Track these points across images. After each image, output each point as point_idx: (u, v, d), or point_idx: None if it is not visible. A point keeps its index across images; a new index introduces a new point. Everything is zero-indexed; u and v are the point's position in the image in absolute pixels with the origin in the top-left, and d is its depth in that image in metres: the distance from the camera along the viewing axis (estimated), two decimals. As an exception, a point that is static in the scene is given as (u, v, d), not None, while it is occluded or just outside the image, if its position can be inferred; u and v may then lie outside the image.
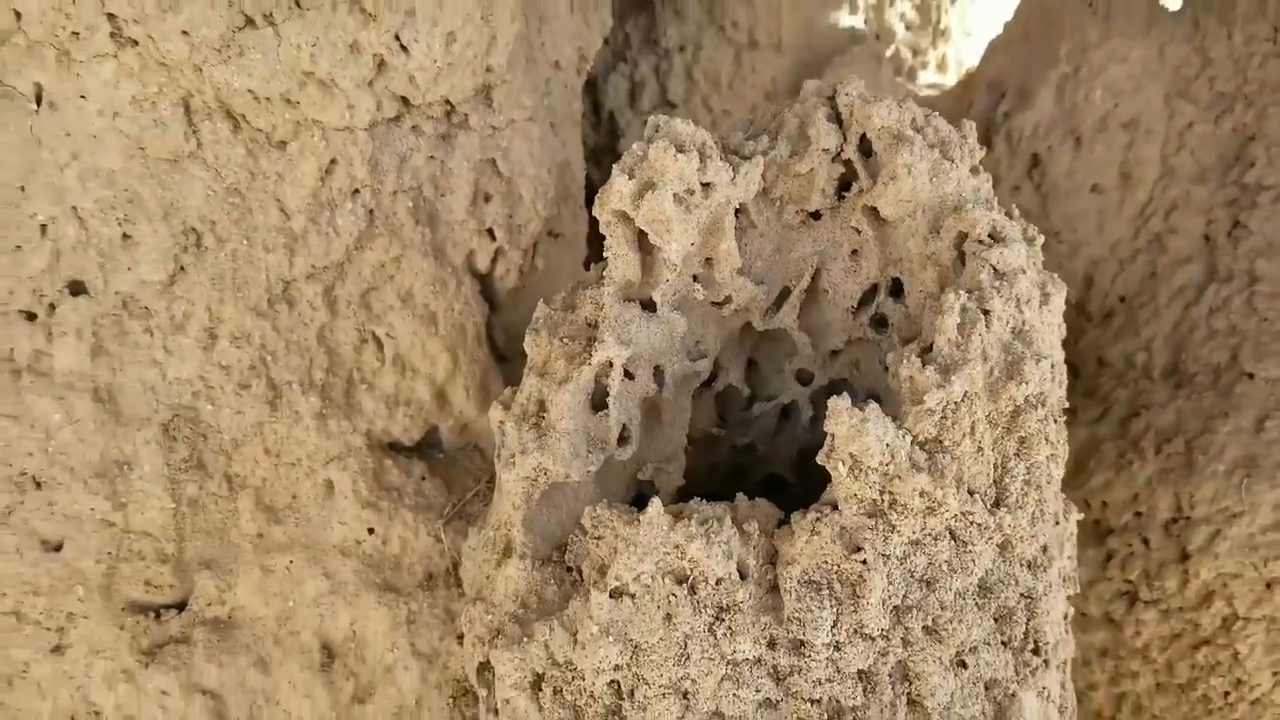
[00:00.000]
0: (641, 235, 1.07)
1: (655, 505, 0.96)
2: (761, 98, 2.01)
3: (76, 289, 1.36)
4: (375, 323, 1.46)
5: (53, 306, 1.36)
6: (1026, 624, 1.08)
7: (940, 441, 0.96)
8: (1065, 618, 1.21)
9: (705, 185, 1.05)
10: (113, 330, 1.39)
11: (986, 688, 1.06)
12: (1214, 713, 1.70)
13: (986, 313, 0.98)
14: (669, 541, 0.96)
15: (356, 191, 1.39)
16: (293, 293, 1.43)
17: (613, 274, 1.08)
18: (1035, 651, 1.10)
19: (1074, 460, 1.77)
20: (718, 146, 1.07)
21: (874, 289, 1.14)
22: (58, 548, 1.47)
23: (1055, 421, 1.07)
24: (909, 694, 1.00)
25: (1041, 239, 1.12)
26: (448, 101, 1.37)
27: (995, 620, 1.06)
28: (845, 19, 2.02)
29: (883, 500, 0.95)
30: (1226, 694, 1.70)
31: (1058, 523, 1.16)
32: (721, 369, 1.23)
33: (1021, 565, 1.05)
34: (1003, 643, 1.08)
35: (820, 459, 0.96)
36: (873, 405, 0.94)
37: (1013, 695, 1.07)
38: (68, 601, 1.49)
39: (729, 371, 1.23)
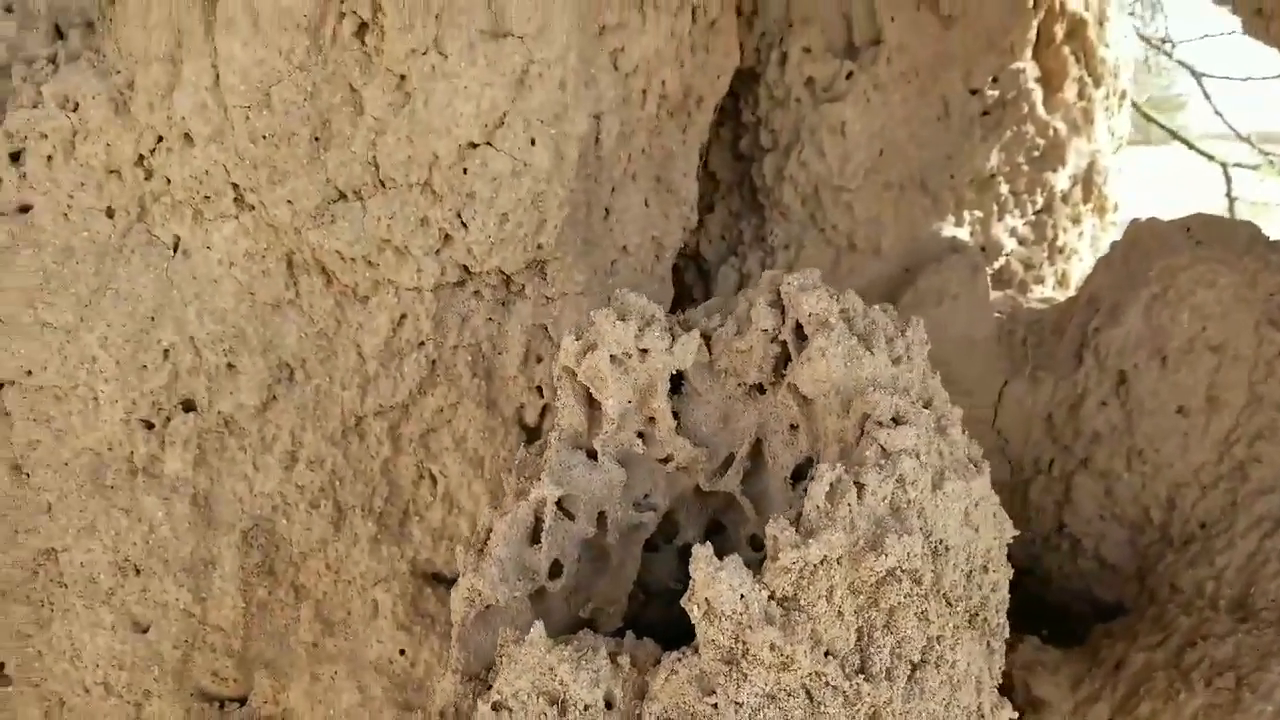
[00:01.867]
0: (588, 391, 1.20)
1: (537, 628, 1.06)
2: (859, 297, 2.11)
3: (188, 406, 1.63)
4: (431, 461, 1.64)
5: (168, 419, 1.63)
6: (916, 809, 1.08)
7: (796, 600, 1.00)
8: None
9: (642, 350, 1.17)
10: (214, 444, 1.64)
11: None
12: None
13: (860, 486, 1.03)
14: (544, 663, 1.04)
15: (422, 344, 1.59)
16: (363, 427, 1.64)
17: (560, 423, 1.21)
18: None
19: (1127, 686, 1.68)
20: (665, 321, 1.20)
21: (809, 461, 1.21)
22: (145, 630, 1.70)
23: (949, 604, 1.09)
24: None
25: (956, 430, 1.16)
26: (502, 271, 1.56)
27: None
28: (948, 229, 2.10)
29: (736, 648, 1.00)
30: None
31: (982, 716, 1.15)
32: (680, 526, 1.31)
33: (902, 742, 1.05)
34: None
35: (683, 602, 1.03)
36: (733, 557, 1.01)
37: None
38: (146, 680, 1.70)
39: (687, 530, 1.31)
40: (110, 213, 1.57)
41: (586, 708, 1.03)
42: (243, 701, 1.73)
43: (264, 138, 1.45)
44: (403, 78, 1.44)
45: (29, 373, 1.59)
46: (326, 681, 1.68)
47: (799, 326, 1.17)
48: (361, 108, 1.45)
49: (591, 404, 1.21)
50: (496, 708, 1.05)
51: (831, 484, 1.03)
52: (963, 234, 2.12)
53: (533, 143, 1.48)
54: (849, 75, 2.04)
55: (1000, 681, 1.24)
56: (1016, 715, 1.18)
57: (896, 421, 1.09)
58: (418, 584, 1.66)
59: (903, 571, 1.03)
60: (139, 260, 1.57)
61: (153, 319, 1.58)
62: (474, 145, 1.46)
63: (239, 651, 1.70)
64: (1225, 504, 1.80)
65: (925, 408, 1.14)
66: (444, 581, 1.68)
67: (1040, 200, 2.23)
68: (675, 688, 1.02)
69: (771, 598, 1.01)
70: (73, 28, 1.60)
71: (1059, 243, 2.24)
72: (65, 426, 1.61)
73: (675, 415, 1.22)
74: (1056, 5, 2.21)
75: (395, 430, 1.64)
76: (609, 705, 1.04)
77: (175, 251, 1.57)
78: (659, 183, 1.82)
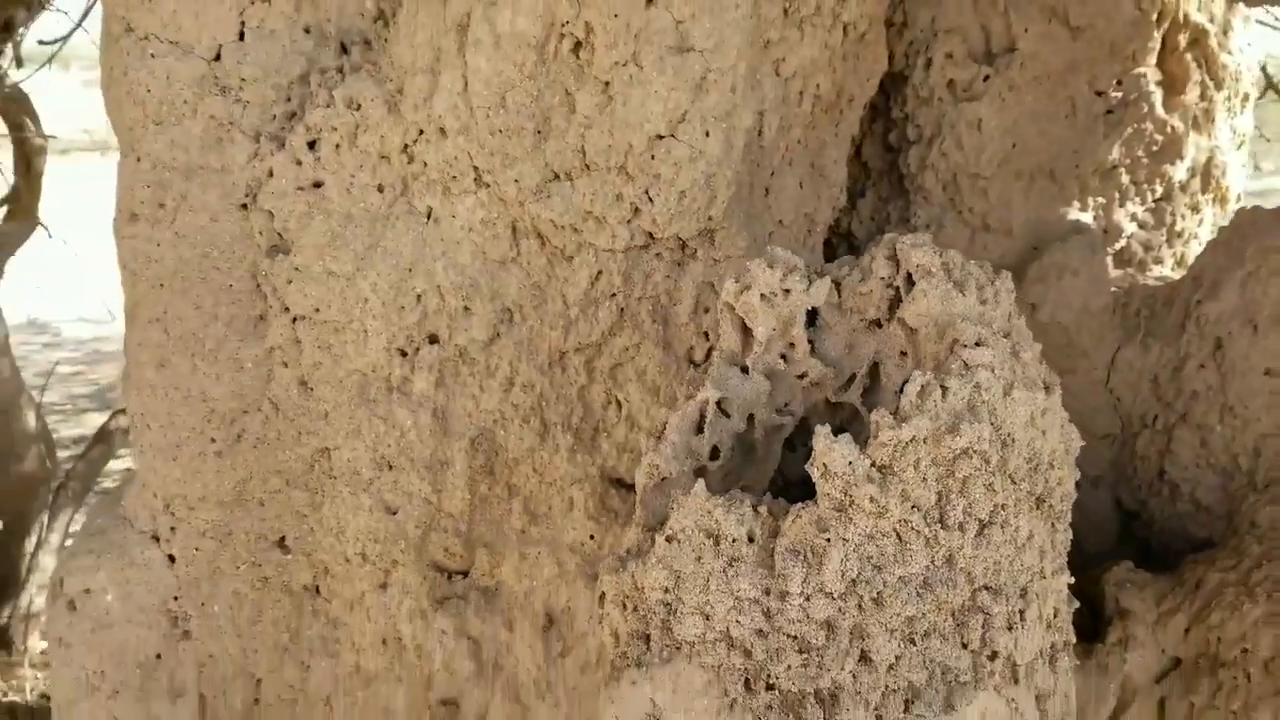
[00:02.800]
0: (743, 321, 1.59)
1: (699, 485, 1.45)
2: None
3: (433, 339, 2.09)
4: (618, 389, 2.06)
5: (417, 349, 2.09)
6: (983, 634, 1.42)
7: (891, 467, 1.37)
8: (1050, 658, 1.52)
9: (785, 290, 1.55)
10: (451, 370, 2.10)
11: (941, 671, 1.41)
12: None
13: (945, 388, 1.39)
14: (704, 508, 1.44)
15: (613, 295, 2.01)
16: (565, 360, 2.07)
17: (721, 345, 1.60)
18: (992, 658, 1.43)
19: (1202, 600, 1.96)
20: (805, 269, 1.58)
21: (913, 378, 1.56)
22: (394, 513, 2.17)
23: (1014, 483, 1.43)
24: (862, 649, 1.39)
25: (1029, 356, 1.49)
26: (679, 238, 1.97)
27: (955, 621, 1.42)
28: (1073, 213, 2.39)
29: (845, 500, 1.37)
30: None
31: (1043, 577, 1.49)
32: (813, 430, 1.67)
33: (971, 581, 1.40)
34: (962, 644, 1.43)
35: (807, 466, 1.41)
36: (844, 434, 1.38)
37: (965, 684, 1.41)
38: (394, 552, 2.18)
39: (818, 433, 1.67)
40: (381, 189, 2.04)
41: (734, 540, 1.42)
42: (466, 574, 2.19)
43: (499, 131, 1.89)
44: (607, 84, 1.85)
45: (316, 310, 2.08)
46: (531, 559, 2.12)
47: (909, 275, 1.53)
48: (574, 108, 1.87)
49: (745, 332, 1.60)
50: (669, 539, 1.45)
51: (922, 386, 1.39)
52: (1086, 218, 2.41)
53: (707, 135, 1.88)
54: (985, 78, 2.36)
55: (1065, 556, 1.57)
56: (1071, 580, 1.51)
57: (978, 345, 1.44)
58: (605, 486, 2.07)
59: (974, 451, 1.38)
60: (401, 225, 2.04)
61: (409, 271, 2.04)
62: (660, 137, 1.87)
63: (465, 533, 2.16)
64: (1304, 456, 2.05)
65: (1005, 337, 1.48)
66: (625, 485, 2.10)
67: (1159, 190, 2.49)
68: (799, 528, 1.40)
69: (872, 465, 1.37)
70: (355, 45, 2.08)
71: (1177, 228, 2.50)
72: (341, 352, 2.10)
73: (810, 342, 1.60)
74: (1180, 17, 2.47)
75: (590, 364, 2.06)
76: (750, 539, 1.42)
77: (428, 219, 2.04)
78: (813, 168, 2.19)
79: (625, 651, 1.51)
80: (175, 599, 2.27)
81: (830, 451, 1.36)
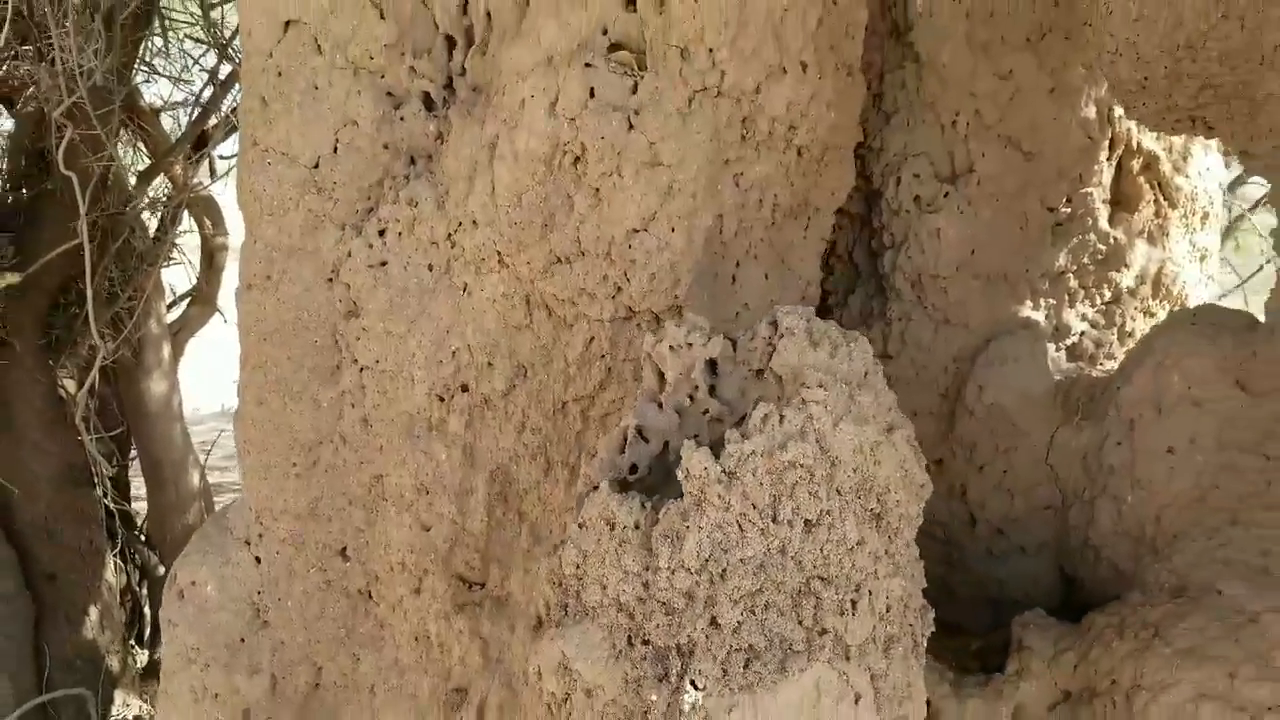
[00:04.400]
0: (659, 367, 2.06)
1: (604, 484, 1.91)
2: (952, 360, 2.82)
3: (464, 388, 2.62)
4: (605, 432, 2.54)
5: (452, 396, 2.62)
6: (815, 614, 1.81)
7: (735, 473, 1.80)
8: (884, 646, 1.89)
9: (689, 344, 2.02)
10: (478, 414, 2.62)
11: (779, 639, 1.80)
12: None
13: (782, 416, 1.82)
14: (605, 502, 1.89)
15: (603, 356, 2.50)
16: (566, 408, 2.56)
17: (643, 386, 2.07)
18: (823, 634, 1.82)
19: (1088, 642, 2.27)
20: (707, 330, 2.04)
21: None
22: (428, 530, 2.68)
23: (840, 495, 1.83)
24: (712, 614, 1.80)
25: (869, 400, 1.90)
26: (653, 312, 2.45)
27: (791, 601, 1.81)
28: (1024, 311, 2.75)
29: (701, 496, 1.81)
30: None
31: (877, 578, 1.88)
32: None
33: (801, 569, 1.80)
34: (797, 620, 1.82)
35: (677, 470, 1.85)
36: (704, 448, 1.82)
37: (799, 653, 1.80)
38: (425, 562, 2.68)
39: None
40: (430, 267, 2.60)
41: (624, 527, 1.87)
42: (483, 585, 2.67)
43: (516, 224, 2.43)
44: (597, 190, 2.37)
45: (376, 361, 2.64)
46: (534, 574, 2.59)
47: (782, 335, 1.98)
48: (572, 207, 2.40)
49: (660, 376, 2.07)
50: (580, 526, 1.91)
51: (765, 414, 1.83)
52: (1036, 315, 2.77)
53: (672, 230, 2.37)
54: (946, 194, 2.79)
55: (904, 566, 1.95)
56: (923, 585, 1.88)
57: (819, 387, 1.86)
58: (590, 513, 2.53)
59: (799, 465, 1.80)
60: (443, 296, 2.59)
61: (448, 332, 2.59)
62: (636, 230, 2.37)
63: (482, 550, 2.64)
64: (1192, 520, 2.35)
65: (846, 384, 1.90)
66: (608, 514, 2.54)
67: (1108, 294, 2.84)
68: (669, 518, 1.84)
69: (721, 470, 1.81)
70: (420, 158, 2.67)
71: (1128, 328, 2.83)
72: (394, 396, 2.65)
73: (712, 386, 2.05)
74: (1134, 144, 2.85)
75: (585, 412, 2.54)
76: (636, 526, 1.87)
77: (463, 291, 2.58)
78: (782, 264, 2.65)
79: (548, 615, 1.96)
80: (259, 593, 2.83)
81: (691, 459, 1.81)
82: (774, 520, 1.79)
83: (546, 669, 1.91)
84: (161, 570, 5.70)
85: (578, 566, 1.91)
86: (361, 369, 2.66)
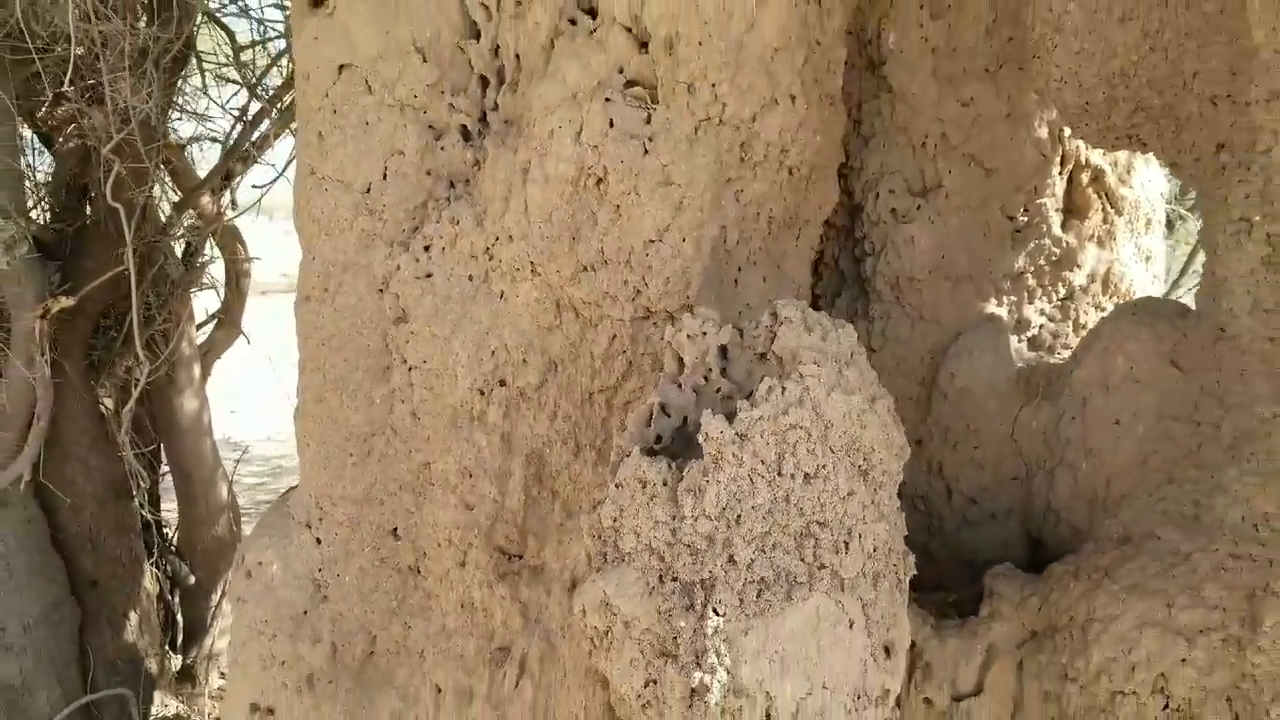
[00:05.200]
0: (678, 353, 2.44)
1: (635, 450, 2.28)
2: (927, 352, 3.21)
3: (502, 383, 2.99)
4: (626, 416, 2.91)
5: (491, 390, 2.99)
6: (814, 552, 2.19)
7: (746, 435, 2.17)
8: (873, 579, 2.26)
9: (703, 332, 2.40)
10: (515, 405, 2.99)
11: (785, 574, 2.17)
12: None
13: (783, 388, 2.20)
14: (638, 464, 2.26)
15: (624, 351, 2.88)
16: (593, 399, 2.93)
17: (665, 369, 2.45)
18: (821, 568, 2.19)
19: (1047, 585, 2.65)
20: (718, 320, 2.42)
21: (787, 391, 2.36)
22: (471, 509, 3.04)
23: (833, 453, 2.21)
24: (729, 553, 2.17)
25: (854, 375, 2.28)
26: (668, 311, 2.83)
27: (795, 541, 2.19)
28: (989, 308, 3.15)
29: (718, 456, 2.18)
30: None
31: (865, 523, 2.25)
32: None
33: (802, 514, 2.17)
34: (800, 558, 2.19)
35: (697, 435, 2.22)
36: (719, 415, 2.20)
37: (801, 584, 2.18)
38: (470, 537, 3.04)
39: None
40: (470, 278, 2.98)
41: (654, 484, 2.24)
42: (521, 556, 3.04)
43: (547, 238, 2.81)
44: (618, 206, 2.75)
45: (424, 361, 3.01)
46: (566, 544, 2.95)
47: (781, 323, 2.36)
48: (596, 222, 2.78)
49: (679, 360, 2.45)
50: (617, 486, 2.29)
51: (769, 386, 2.21)
52: (1000, 312, 3.16)
53: (684, 240, 2.75)
54: (918, 207, 3.18)
55: (888, 513, 2.32)
56: (902, 531, 2.26)
57: (813, 363, 2.25)
58: (616, 489, 2.90)
59: (799, 427, 2.17)
60: (482, 302, 2.97)
61: (487, 334, 2.96)
62: (652, 241, 2.75)
63: (520, 525, 3.00)
64: (1135, 481, 2.73)
65: (835, 361, 2.29)
66: (631, 489, 2.91)
67: (1063, 291, 3.23)
68: (692, 475, 2.21)
69: (735, 434, 2.19)
70: (459, 182, 3.05)
71: (1081, 321, 3.22)
72: (440, 392, 3.01)
73: (723, 368, 2.43)
74: (1082, 160, 3.25)
75: (609, 401, 2.91)
76: (665, 484, 2.24)
77: (500, 298, 2.96)
78: (778, 269, 3.03)
79: (590, 563, 2.33)
80: (319, 571, 3.18)
81: (710, 424, 2.19)
82: (779, 474, 2.17)
83: (590, 607, 2.28)
84: (192, 580, 6.02)
85: (614, 520, 2.28)
86: (410, 368, 3.03)
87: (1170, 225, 7.40)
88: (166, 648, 5.91)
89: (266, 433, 12.44)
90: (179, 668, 5.96)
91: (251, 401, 11.37)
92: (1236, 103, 2.41)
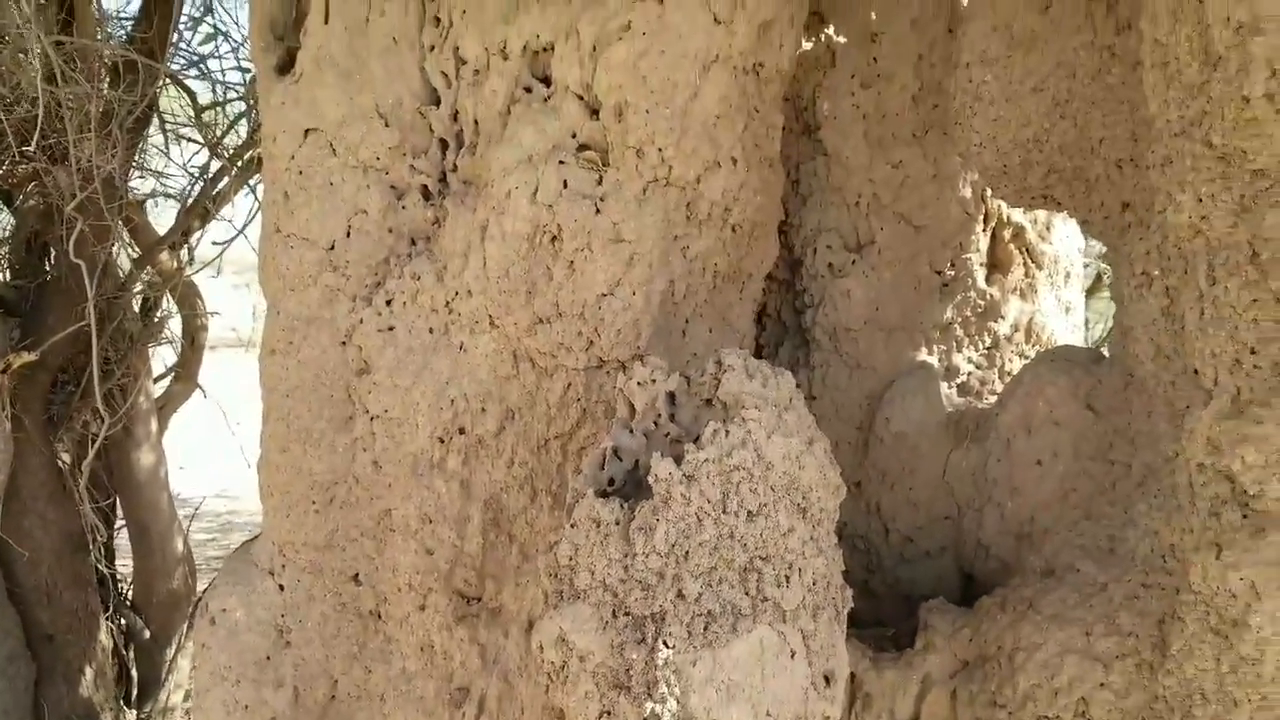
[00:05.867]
0: (629, 399, 2.60)
1: (590, 491, 2.43)
2: (864, 398, 3.39)
3: (461, 430, 3.13)
4: (579, 462, 3.06)
5: (450, 438, 3.12)
6: (758, 586, 2.34)
7: (693, 476, 2.33)
8: (812, 611, 2.41)
9: (652, 380, 2.56)
10: (473, 452, 3.12)
11: (731, 607, 2.32)
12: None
13: (727, 431, 2.36)
14: (592, 505, 2.41)
15: (578, 399, 3.03)
16: (549, 445, 3.08)
17: (617, 414, 2.61)
18: (764, 601, 2.34)
19: (976, 618, 2.82)
20: (665, 369, 2.58)
21: (730, 435, 2.52)
22: (430, 552, 3.16)
23: (774, 491, 2.37)
24: (678, 588, 2.32)
25: (793, 418, 2.45)
26: (619, 361, 2.99)
27: (739, 576, 2.34)
28: (920, 356, 3.34)
29: (667, 495, 2.33)
30: (1043, 775, 2.59)
31: (804, 557, 2.41)
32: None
33: (746, 550, 2.33)
34: (745, 592, 2.34)
35: (647, 477, 2.38)
36: (668, 458, 2.36)
37: (746, 616, 2.32)
38: (430, 581, 3.16)
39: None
40: (431, 330, 3.12)
41: (607, 523, 2.39)
42: (480, 599, 3.16)
43: (504, 292, 2.97)
44: (571, 262, 2.91)
45: (385, 411, 3.14)
46: (523, 586, 3.08)
47: (725, 370, 2.53)
48: (551, 276, 2.94)
49: (631, 406, 2.60)
50: (572, 526, 2.43)
51: (714, 429, 2.37)
52: (930, 359, 3.36)
53: (633, 294, 2.92)
54: (853, 261, 3.38)
55: (825, 548, 2.48)
56: (840, 567, 2.42)
57: (755, 408, 2.41)
58: (570, 531, 3.04)
59: (742, 468, 2.33)
60: (443, 354, 3.11)
61: (447, 384, 3.10)
62: (604, 295, 2.91)
63: (479, 569, 3.13)
64: (1056, 517, 2.92)
65: (775, 407, 2.46)
66: (585, 532, 3.05)
67: (988, 340, 3.44)
68: (643, 514, 2.35)
69: (683, 475, 2.34)
70: (420, 239, 3.20)
71: (1006, 368, 3.43)
72: (401, 440, 3.15)
73: (671, 414, 2.59)
74: (1004, 218, 3.48)
75: (564, 447, 3.06)
76: (617, 522, 2.39)
77: (460, 349, 3.11)
78: (723, 321, 3.21)
79: (548, 601, 2.47)
80: (282, 616, 3.28)
81: (659, 466, 2.35)
82: (724, 512, 2.32)
83: (547, 643, 2.41)
84: (147, 634, 6.03)
85: (570, 558, 2.42)
86: (372, 418, 3.16)
87: (1099, 278, 7.74)
88: (121, 702, 5.90)
89: (216, 488, 12.40)
90: (133, 722, 5.95)
91: (201, 458, 11.37)
92: (1138, 166, 2.64)
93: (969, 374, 3.37)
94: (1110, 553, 2.66)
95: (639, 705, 2.24)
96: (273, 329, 3.24)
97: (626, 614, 2.33)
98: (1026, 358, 3.44)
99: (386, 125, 3.08)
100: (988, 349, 3.41)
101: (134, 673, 6.10)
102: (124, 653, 6.06)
